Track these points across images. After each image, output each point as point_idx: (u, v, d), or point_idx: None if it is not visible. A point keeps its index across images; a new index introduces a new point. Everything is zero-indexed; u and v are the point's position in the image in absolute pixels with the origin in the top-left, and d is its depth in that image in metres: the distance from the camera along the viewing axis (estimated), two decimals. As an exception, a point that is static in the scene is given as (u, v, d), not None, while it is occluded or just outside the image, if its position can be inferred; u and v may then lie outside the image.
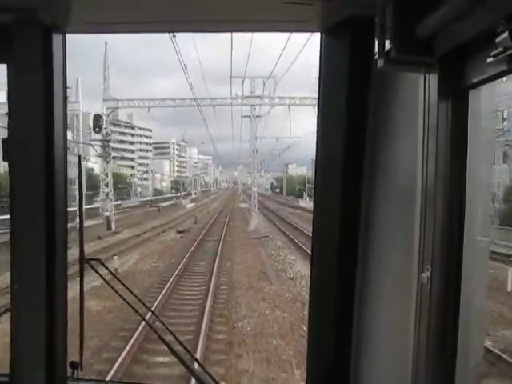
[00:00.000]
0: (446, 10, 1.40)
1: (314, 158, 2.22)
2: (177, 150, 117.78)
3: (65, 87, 2.29)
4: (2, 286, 11.91)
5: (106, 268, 2.49)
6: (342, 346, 2.15)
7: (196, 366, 2.78)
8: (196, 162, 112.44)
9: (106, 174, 40.03)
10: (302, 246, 25.50)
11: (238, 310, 14.82)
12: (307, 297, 2.53)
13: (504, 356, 9.12)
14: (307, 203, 54.60)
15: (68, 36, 2.25)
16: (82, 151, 44.63)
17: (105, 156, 39.81)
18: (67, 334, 2.40)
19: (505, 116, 26.23)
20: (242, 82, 39.27)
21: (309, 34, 2.46)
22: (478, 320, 1.84)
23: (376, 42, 1.64)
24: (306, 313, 12.08)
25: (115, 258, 20.82)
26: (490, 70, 1.38)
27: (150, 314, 2.87)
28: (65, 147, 2.32)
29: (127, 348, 10.37)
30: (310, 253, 2.45)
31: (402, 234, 1.92)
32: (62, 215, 2.30)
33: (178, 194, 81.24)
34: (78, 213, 2.75)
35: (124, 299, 2.37)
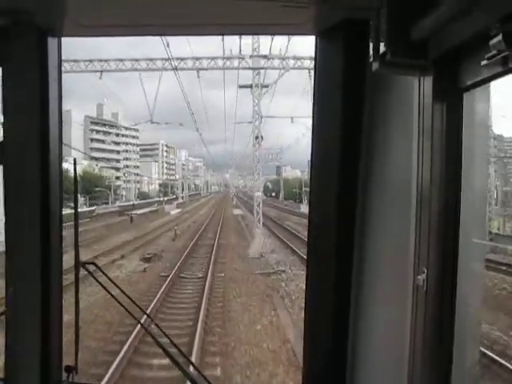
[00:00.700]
0: (441, 13, 1.41)
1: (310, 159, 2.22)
2: (166, 151, 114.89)
3: (60, 90, 2.29)
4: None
5: (103, 272, 2.49)
6: (339, 348, 2.14)
7: (191, 369, 2.77)
8: (184, 164, 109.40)
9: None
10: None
11: None
12: None
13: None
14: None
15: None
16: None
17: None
18: (62, 337, 2.39)
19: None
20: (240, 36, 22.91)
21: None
22: (473, 321, 1.84)
23: (371, 45, 1.66)
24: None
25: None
26: (484, 73, 1.39)
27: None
28: (60, 150, 2.31)
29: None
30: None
31: (397, 237, 1.92)
32: (57, 218, 2.29)
33: (161, 199, 72.46)
34: (73, 216, 2.75)
35: (120, 303, 2.37)
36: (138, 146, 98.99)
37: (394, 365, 1.90)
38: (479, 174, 1.78)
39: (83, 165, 68.09)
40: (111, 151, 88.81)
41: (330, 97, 2.12)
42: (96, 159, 76.76)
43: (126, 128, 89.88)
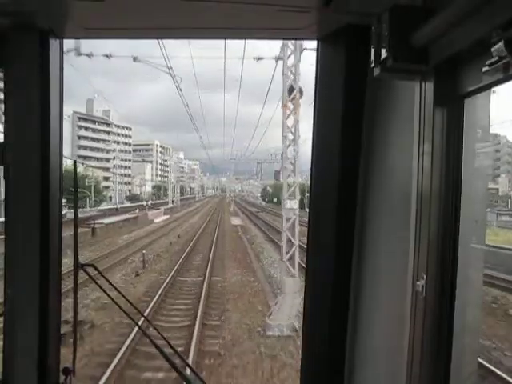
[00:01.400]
0: (442, 19, 1.42)
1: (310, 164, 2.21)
2: (160, 152, 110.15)
3: (61, 91, 2.29)
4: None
5: (101, 274, 2.48)
6: (337, 354, 2.14)
7: (188, 371, 2.76)
8: (182, 167, 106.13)
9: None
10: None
11: None
12: None
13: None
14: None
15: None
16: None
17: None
18: (60, 339, 2.38)
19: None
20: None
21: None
22: (472, 327, 1.84)
23: (372, 51, 1.66)
24: None
25: None
26: (485, 79, 1.39)
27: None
28: (60, 151, 2.32)
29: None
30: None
31: (396, 243, 1.92)
32: (56, 220, 2.29)
33: (144, 203, 61.76)
34: (73, 217, 2.74)
35: (117, 304, 2.37)
36: (130, 145, 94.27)
37: (393, 370, 1.89)
38: (480, 180, 1.78)
39: (66, 164, 64.53)
40: (101, 150, 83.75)
41: (330, 101, 2.12)
42: (84, 158, 71.99)
43: (118, 126, 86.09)
